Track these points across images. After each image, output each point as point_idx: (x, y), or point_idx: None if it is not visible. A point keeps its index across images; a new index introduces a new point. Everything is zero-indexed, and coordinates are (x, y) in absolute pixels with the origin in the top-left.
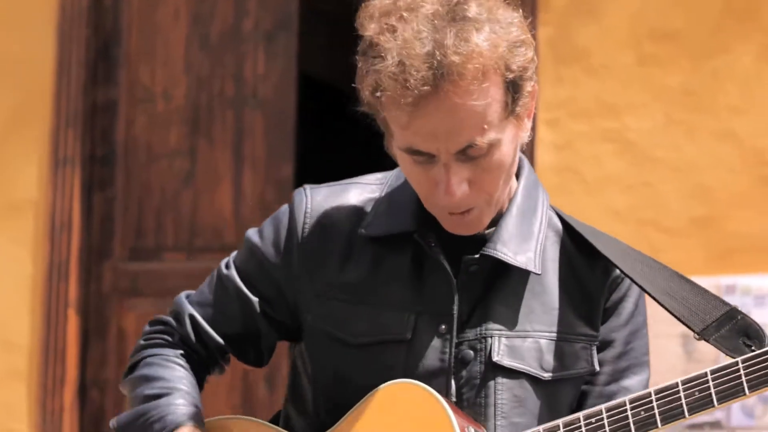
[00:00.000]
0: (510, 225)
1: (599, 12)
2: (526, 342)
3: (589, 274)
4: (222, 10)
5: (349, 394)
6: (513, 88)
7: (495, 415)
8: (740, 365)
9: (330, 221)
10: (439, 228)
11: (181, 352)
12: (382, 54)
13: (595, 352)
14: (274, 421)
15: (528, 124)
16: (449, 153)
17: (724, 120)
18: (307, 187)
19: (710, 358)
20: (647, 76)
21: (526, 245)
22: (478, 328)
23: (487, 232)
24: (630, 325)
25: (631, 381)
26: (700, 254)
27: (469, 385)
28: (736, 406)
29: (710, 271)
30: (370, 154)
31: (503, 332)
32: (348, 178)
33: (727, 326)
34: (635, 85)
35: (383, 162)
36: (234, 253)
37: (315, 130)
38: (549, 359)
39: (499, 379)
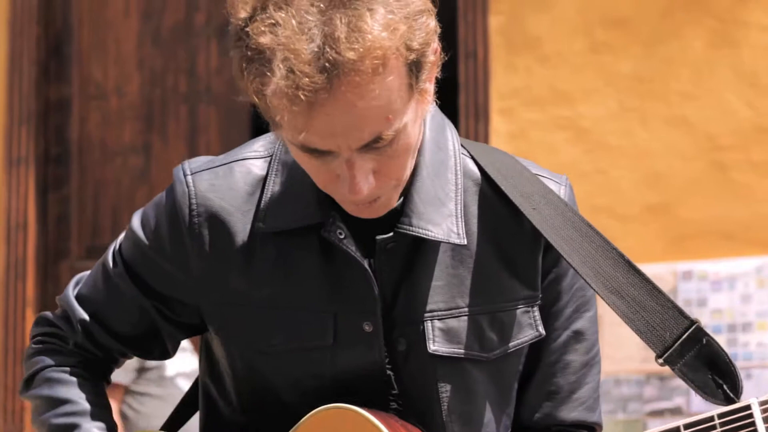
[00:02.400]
0: (422, 191)
1: (550, 0)
2: (461, 321)
3: (518, 227)
4: (173, 5)
5: (277, 399)
6: (416, 67)
7: (442, 412)
8: (716, 421)
9: (222, 214)
10: (347, 214)
11: (78, 360)
12: (264, 56)
13: (537, 313)
14: (194, 388)
15: (431, 89)
16: (351, 150)
17: (676, 106)
18: (187, 168)
19: None
20: (599, 63)
21: (444, 210)
22: (407, 314)
23: (396, 205)
24: (571, 269)
25: (582, 322)
26: (655, 241)
27: (410, 381)
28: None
29: (666, 257)
30: None
31: (435, 314)
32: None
33: (690, 352)
34: (588, 72)
35: None
36: (120, 239)
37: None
38: (490, 336)
39: (439, 371)
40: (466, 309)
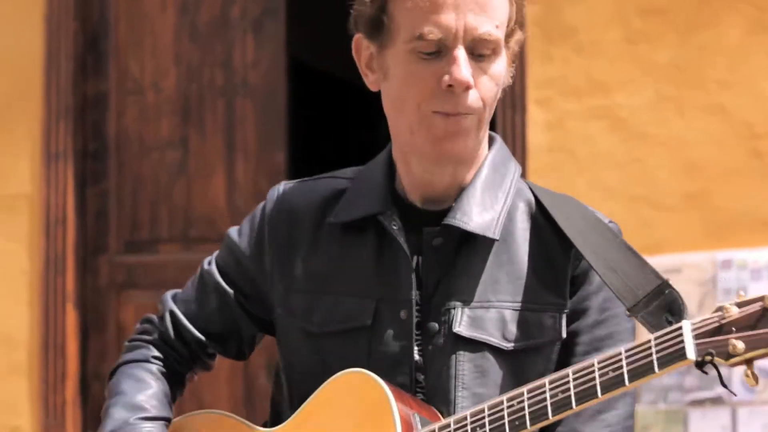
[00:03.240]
0: (472, 196)
1: None
2: (489, 312)
3: (556, 244)
4: None
5: (318, 385)
6: (517, 17)
7: (455, 386)
8: (652, 343)
9: (297, 213)
10: (404, 209)
11: (156, 354)
12: None
13: (563, 321)
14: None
15: (509, 72)
16: (465, 39)
17: (713, 94)
18: (283, 183)
19: None
20: (636, 52)
21: (486, 214)
22: (443, 301)
23: (447, 207)
24: (604, 291)
25: (613, 349)
26: (694, 230)
27: (432, 357)
28: (736, 380)
29: (705, 246)
30: (363, 139)
31: (466, 303)
32: (341, 163)
33: (655, 302)
34: (624, 61)
35: (378, 144)
36: (217, 251)
37: (307, 116)
38: (512, 329)
39: (461, 351)
40: (495, 303)
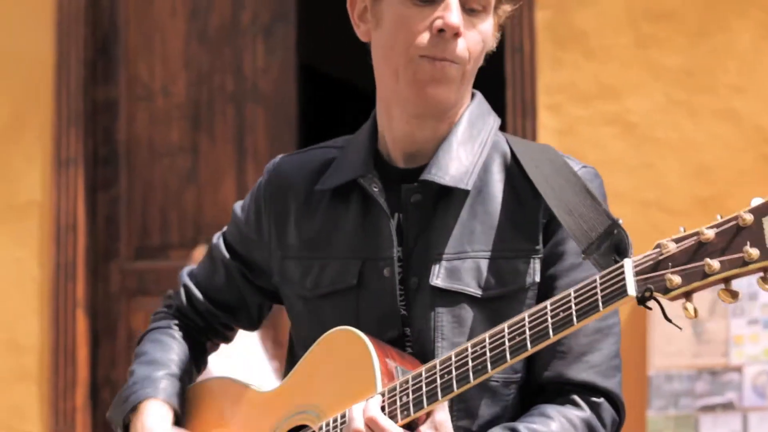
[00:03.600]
0: (447, 151)
1: None
2: (465, 263)
3: (528, 192)
4: (219, 4)
5: None
6: None
7: (435, 337)
8: (597, 282)
9: (290, 183)
10: (384, 169)
11: (176, 322)
12: None
13: (537, 265)
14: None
15: (496, 39)
16: None
17: (724, 99)
18: (280, 156)
19: (720, 338)
20: (646, 57)
21: (461, 166)
22: (422, 256)
23: (426, 163)
24: None
25: None
26: None
27: (417, 312)
28: (747, 386)
29: None
30: None
31: (443, 255)
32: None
33: (605, 243)
34: (634, 66)
35: None
36: (227, 225)
37: (318, 122)
38: (488, 277)
39: (439, 302)
40: (471, 253)
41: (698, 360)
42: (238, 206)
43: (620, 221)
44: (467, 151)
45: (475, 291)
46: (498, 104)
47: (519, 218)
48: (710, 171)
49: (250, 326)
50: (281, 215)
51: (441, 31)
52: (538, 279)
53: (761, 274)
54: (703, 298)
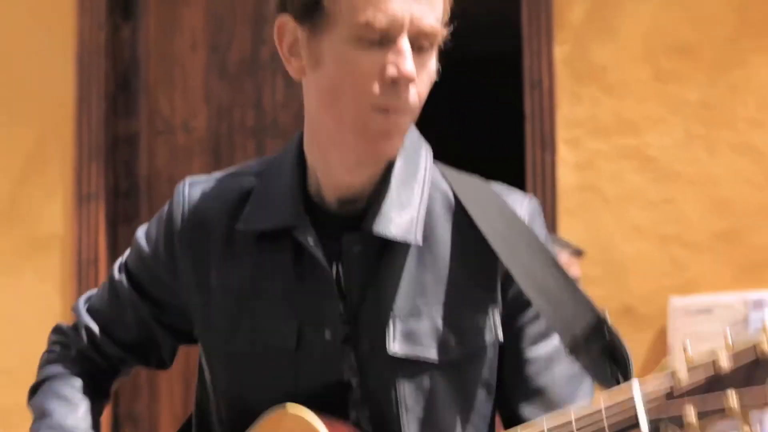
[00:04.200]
0: (387, 196)
1: (614, 29)
2: (421, 323)
3: (481, 241)
4: (239, 39)
5: (246, 406)
6: (450, 11)
7: (400, 412)
8: (603, 412)
9: (206, 219)
10: (318, 215)
11: (79, 370)
12: None
13: (497, 319)
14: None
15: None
16: (410, 30)
17: (743, 133)
18: (187, 180)
19: None
20: (665, 91)
21: (405, 214)
22: (371, 315)
23: (363, 208)
24: None
25: (555, 338)
26: (725, 269)
27: (369, 381)
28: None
29: (737, 286)
30: None
31: (397, 315)
32: None
33: (595, 345)
34: (653, 100)
35: None
36: (125, 254)
37: None
38: (447, 338)
39: (399, 372)
40: (426, 310)
41: None
42: (142, 236)
43: (606, 315)
44: (408, 192)
45: (437, 357)
46: (517, 137)
47: (472, 267)
48: (729, 205)
49: (162, 367)
50: (200, 256)
51: (394, 80)
52: (501, 336)
53: None
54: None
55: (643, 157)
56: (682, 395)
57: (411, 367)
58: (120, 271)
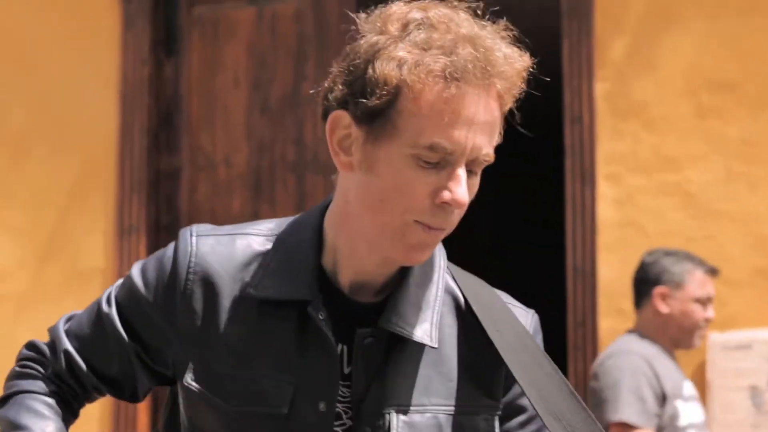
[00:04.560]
0: (406, 294)
1: (655, 65)
2: (424, 417)
3: (486, 345)
4: (281, 75)
5: None
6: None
7: None
8: None
9: (215, 276)
10: (331, 299)
11: (53, 389)
12: (437, 30)
13: (497, 422)
14: None
15: None
16: (470, 156)
17: None
18: (194, 230)
19: None
20: (706, 128)
21: (423, 316)
22: (376, 404)
23: (377, 301)
24: None
25: None
26: (765, 306)
27: None
28: None
29: None
30: None
31: (401, 407)
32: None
33: None
34: (694, 137)
35: None
36: (117, 285)
37: None
38: None
39: None
40: (430, 407)
41: (758, 431)
42: (137, 274)
43: None
44: (425, 293)
45: None
46: (557, 172)
47: (478, 372)
48: None
49: (133, 400)
50: (202, 310)
51: (445, 202)
52: None
53: None
54: (762, 371)
55: (683, 193)
56: None
57: None
58: (109, 304)
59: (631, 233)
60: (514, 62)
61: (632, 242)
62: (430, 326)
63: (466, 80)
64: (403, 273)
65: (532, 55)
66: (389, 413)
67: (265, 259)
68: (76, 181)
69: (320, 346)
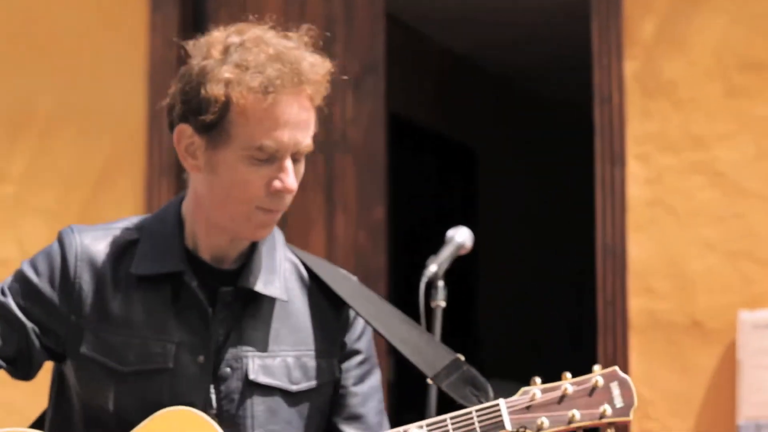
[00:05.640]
0: (258, 260)
1: (685, 44)
2: (275, 360)
3: (326, 303)
4: None
5: (121, 421)
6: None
7: (253, 425)
8: (474, 414)
9: (99, 262)
10: (196, 265)
11: None
12: (251, 52)
13: (336, 362)
14: (40, 422)
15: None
16: (293, 149)
17: None
18: (74, 228)
19: None
20: (735, 107)
21: (272, 276)
22: (234, 350)
23: (235, 267)
24: (365, 335)
25: (374, 379)
26: None
27: (227, 399)
28: None
29: None
30: (460, 193)
31: (256, 353)
32: (440, 219)
33: (455, 375)
34: (724, 116)
35: (475, 199)
36: (8, 280)
37: (406, 171)
38: (296, 374)
39: (256, 395)
40: (280, 353)
41: None
42: (29, 268)
43: (460, 356)
44: (271, 259)
45: (287, 386)
46: (587, 153)
47: (321, 323)
48: None
49: (26, 378)
50: (95, 292)
51: (278, 190)
52: (337, 375)
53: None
54: None
55: (712, 172)
56: (537, 408)
57: (265, 391)
58: (4, 294)
59: (660, 213)
60: (318, 69)
61: (662, 222)
62: (280, 285)
63: (279, 91)
64: (253, 245)
65: (559, 34)
66: (246, 357)
67: (137, 244)
68: (104, 165)
69: (194, 308)
